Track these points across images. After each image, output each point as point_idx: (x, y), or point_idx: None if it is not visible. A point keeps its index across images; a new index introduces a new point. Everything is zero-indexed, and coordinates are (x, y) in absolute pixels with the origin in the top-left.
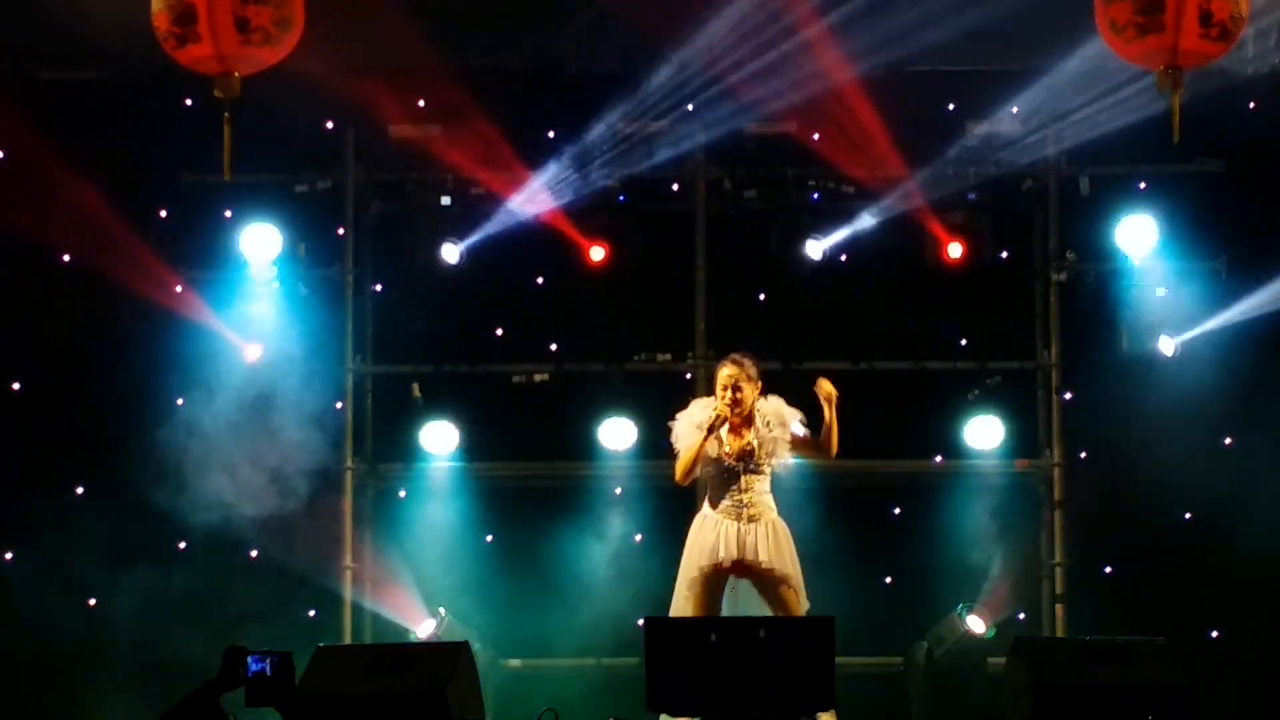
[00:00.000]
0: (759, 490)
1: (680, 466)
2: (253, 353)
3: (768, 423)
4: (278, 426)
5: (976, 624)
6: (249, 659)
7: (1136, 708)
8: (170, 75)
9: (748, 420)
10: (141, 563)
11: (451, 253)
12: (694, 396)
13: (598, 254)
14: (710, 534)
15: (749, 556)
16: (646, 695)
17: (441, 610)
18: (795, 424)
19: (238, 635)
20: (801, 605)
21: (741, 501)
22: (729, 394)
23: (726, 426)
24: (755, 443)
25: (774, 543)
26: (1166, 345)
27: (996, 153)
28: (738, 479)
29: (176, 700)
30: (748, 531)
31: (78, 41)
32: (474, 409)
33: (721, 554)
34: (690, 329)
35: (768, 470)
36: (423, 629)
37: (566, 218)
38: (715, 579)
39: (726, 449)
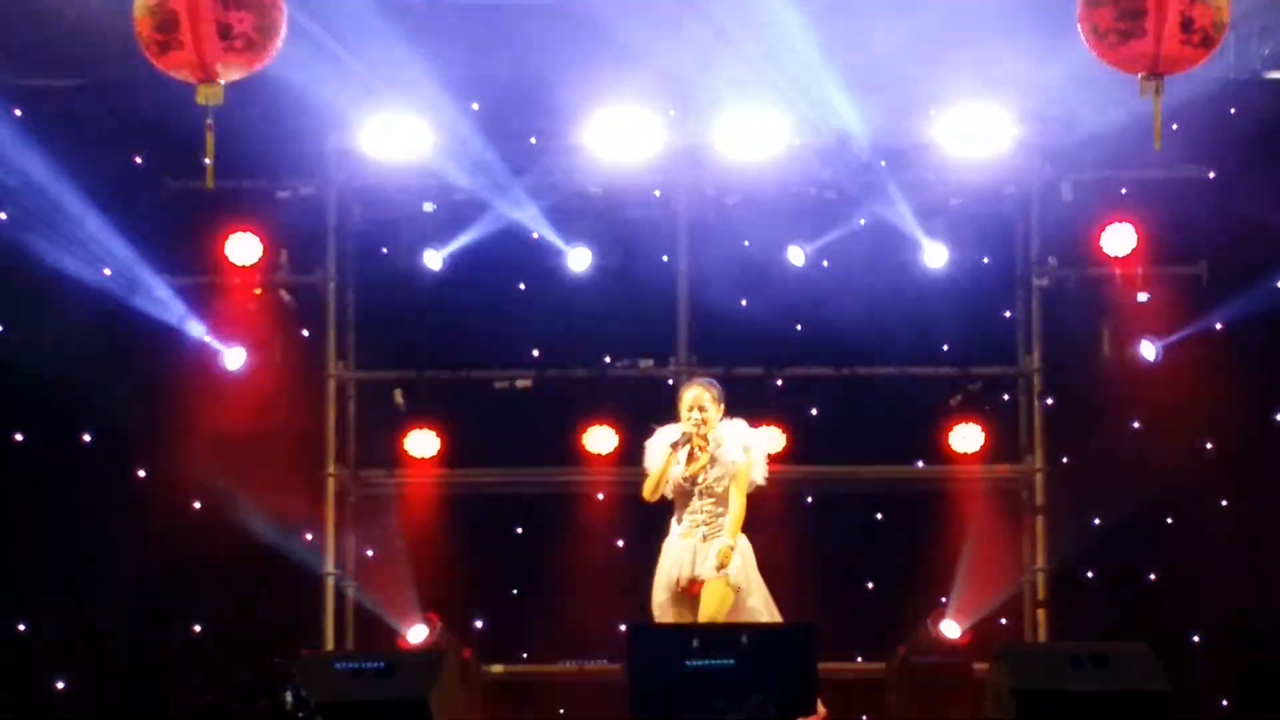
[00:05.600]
0: (714, 511)
1: (647, 486)
2: (234, 359)
3: (721, 446)
4: (260, 432)
5: (950, 629)
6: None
7: (1118, 713)
8: (152, 82)
9: (705, 443)
10: (118, 567)
11: (434, 259)
12: (676, 402)
13: (580, 260)
14: (673, 555)
15: (702, 573)
16: (629, 701)
17: (430, 616)
18: (738, 453)
19: (224, 642)
20: (764, 614)
21: (698, 521)
22: (695, 414)
23: (685, 456)
24: (708, 466)
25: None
26: (1148, 350)
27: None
28: (693, 499)
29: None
30: (703, 549)
31: (60, 48)
32: (456, 415)
33: (680, 573)
34: (672, 335)
35: (720, 491)
36: (413, 635)
37: (549, 223)
38: (682, 599)
39: (683, 471)
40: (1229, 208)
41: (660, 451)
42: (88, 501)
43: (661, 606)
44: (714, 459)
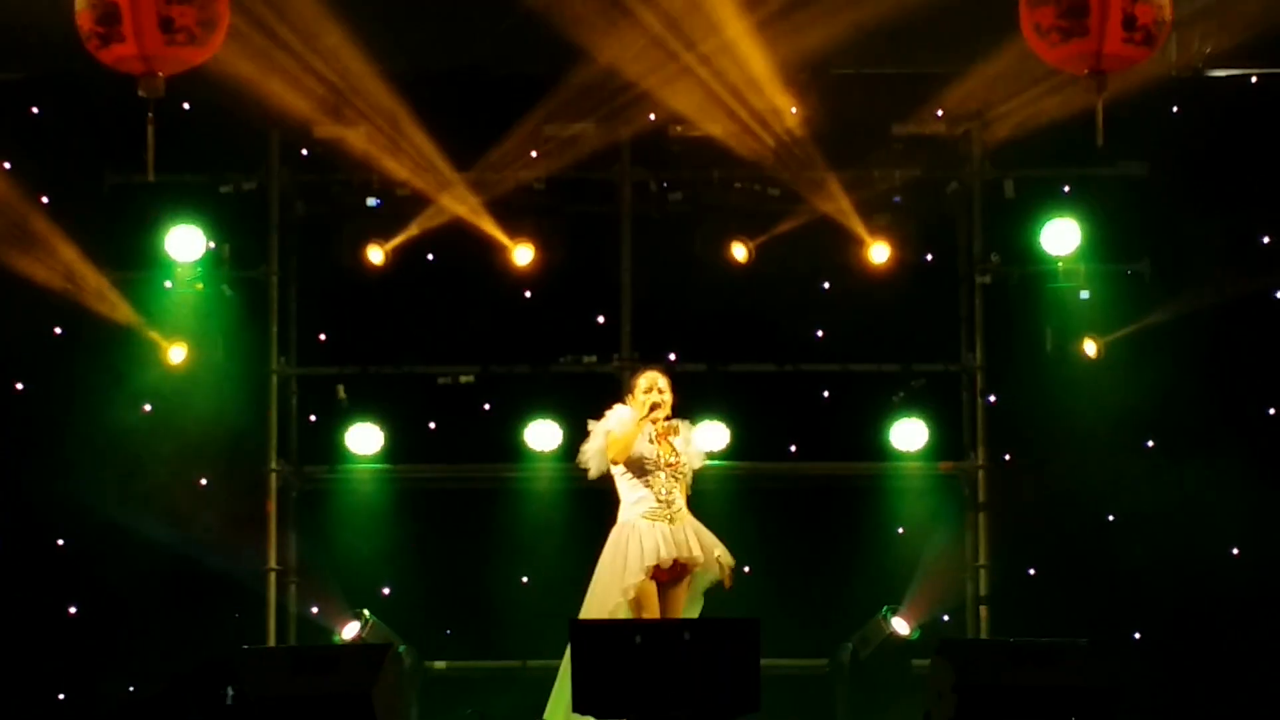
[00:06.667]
0: (674, 494)
1: (620, 445)
2: (175, 355)
3: (690, 443)
4: (202, 428)
5: (901, 626)
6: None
7: (1060, 709)
8: (94, 75)
9: (671, 426)
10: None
11: (377, 254)
12: (620, 398)
13: (524, 255)
14: (648, 539)
15: (683, 554)
16: (572, 698)
17: (365, 612)
18: (700, 454)
19: (162, 639)
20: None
21: (669, 503)
22: (655, 394)
23: (654, 434)
24: (679, 452)
25: (700, 538)
26: (1090, 348)
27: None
28: (663, 483)
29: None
30: (680, 531)
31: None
32: (399, 410)
33: (663, 554)
34: (616, 331)
35: (679, 476)
36: (347, 631)
37: (492, 219)
38: (653, 582)
39: (660, 455)
40: (1171, 205)
41: (630, 419)
42: (23, 495)
43: (641, 590)
44: (685, 445)
